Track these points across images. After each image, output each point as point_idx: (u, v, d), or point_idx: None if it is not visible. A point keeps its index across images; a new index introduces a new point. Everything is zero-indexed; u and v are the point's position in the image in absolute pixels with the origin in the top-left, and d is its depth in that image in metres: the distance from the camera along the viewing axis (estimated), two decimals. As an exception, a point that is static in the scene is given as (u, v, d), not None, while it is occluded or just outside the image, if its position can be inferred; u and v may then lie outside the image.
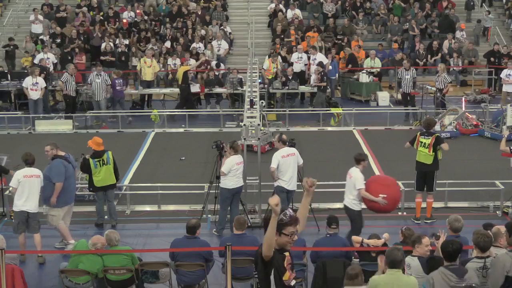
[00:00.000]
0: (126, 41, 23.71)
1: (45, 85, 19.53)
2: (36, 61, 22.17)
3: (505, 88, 20.16)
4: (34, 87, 19.22)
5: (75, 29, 24.33)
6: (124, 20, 25.23)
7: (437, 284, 6.88)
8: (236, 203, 11.74)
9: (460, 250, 7.06)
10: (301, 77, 21.51)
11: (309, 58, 22.05)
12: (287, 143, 11.78)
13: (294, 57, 22.17)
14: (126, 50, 23.10)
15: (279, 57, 21.87)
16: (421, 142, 12.13)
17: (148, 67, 21.00)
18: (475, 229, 7.92)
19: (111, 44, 23.24)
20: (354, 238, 8.94)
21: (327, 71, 21.94)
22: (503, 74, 20.28)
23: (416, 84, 19.68)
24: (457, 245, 7.03)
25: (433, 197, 12.24)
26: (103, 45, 23.24)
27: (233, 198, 11.63)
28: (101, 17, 25.45)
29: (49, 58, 22.19)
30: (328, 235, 9.04)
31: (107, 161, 11.80)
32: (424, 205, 12.29)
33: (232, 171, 11.41)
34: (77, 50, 23.07)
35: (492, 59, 22.99)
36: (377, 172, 14.92)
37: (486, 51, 23.73)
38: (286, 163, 11.56)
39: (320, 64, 20.55)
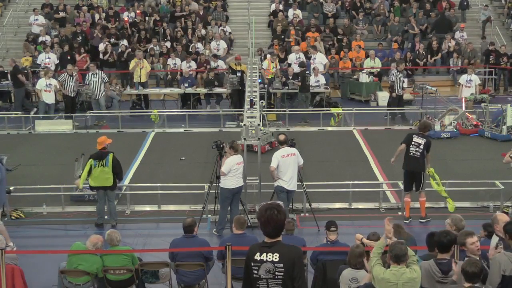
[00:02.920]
0: (125, 42, 23.66)
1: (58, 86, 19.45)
2: (38, 61, 22.20)
3: (464, 94, 19.48)
4: (48, 88, 19.18)
5: (75, 29, 24.33)
6: (125, 18, 25.22)
7: (423, 275, 7.02)
8: (236, 203, 11.73)
9: (454, 242, 7.23)
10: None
11: (309, 58, 22.06)
12: (287, 143, 11.77)
13: (293, 57, 22.17)
14: (125, 51, 23.06)
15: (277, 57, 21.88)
16: (414, 142, 12.09)
17: (140, 69, 20.93)
18: (475, 229, 7.96)
19: (110, 44, 23.24)
20: (357, 235, 8.93)
21: (324, 71, 21.98)
22: (462, 80, 19.68)
23: (416, 85, 19.73)
24: (452, 236, 7.16)
25: (425, 195, 12.20)
26: (102, 45, 23.21)
27: (233, 198, 11.62)
28: (101, 18, 25.40)
29: (50, 58, 22.20)
30: (328, 242, 9.01)
31: (105, 163, 11.79)
32: (417, 205, 12.27)
33: (232, 171, 11.41)
34: (82, 50, 23.07)
35: (490, 60, 22.94)
36: (377, 173, 14.92)
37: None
38: (286, 163, 11.55)
39: (302, 64, 20.54)
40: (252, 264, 5.60)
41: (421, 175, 12.06)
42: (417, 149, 12.01)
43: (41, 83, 19.25)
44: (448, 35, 24.53)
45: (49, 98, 19.25)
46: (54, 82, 19.32)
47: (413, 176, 12.13)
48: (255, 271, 5.58)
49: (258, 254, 5.57)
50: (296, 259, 5.52)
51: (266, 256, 5.53)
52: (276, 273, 5.51)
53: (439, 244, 7.21)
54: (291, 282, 5.54)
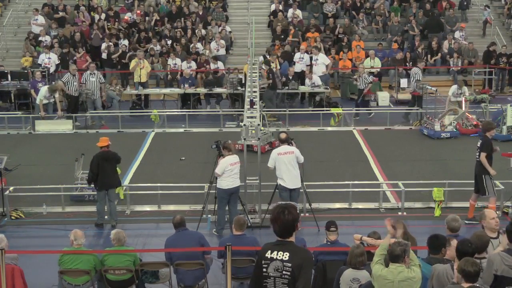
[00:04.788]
0: (126, 42, 23.66)
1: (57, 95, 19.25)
2: (39, 61, 22.20)
3: (451, 105, 18.92)
4: (47, 100, 19.10)
5: (74, 29, 24.33)
6: (126, 17, 25.22)
7: (436, 277, 6.99)
8: (234, 204, 11.69)
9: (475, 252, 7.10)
10: (302, 77, 21.51)
11: (311, 58, 22.04)
12: (288, 141, 11.76)
13: (296, 57, 22.16)
14: (126, 51, 23.06)
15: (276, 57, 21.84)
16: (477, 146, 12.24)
17: (140, 69, 20.91)
18: (475, 229, 7.96)
19: (111, 44, 23.24)
20: (355, 236, 8.93)
21: (326, 72, 21.97)
22: (451, 92, 19.01)
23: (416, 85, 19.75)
24: (474, 247, 7.05)
25: (494, 201, 12.03)
26: (104, 45, 23.25)
27: (230, 199, 11.60)
28: (101, 19, 25.38)
29: (51, 58, 22.20)
30: (328, 242, 9.01)
31: None
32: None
33: (227, 171, 11.38)
34: (81, 50, 23.06)
35: (491, 61, 22.92)
36: (377, 173, 14.92)
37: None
38: (282, 160, 11.52)
39: (267, 62, 20.58)
40: (263, 262, 5.65)
41: (479, 178, 12.05)
42: (476, 152, 12.17)
43: (44, 95, 18.90)
44: (449, 35, 24.51)
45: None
46: (57, 96, 19.07)
47: (475, 178, 12.23)
48: (265, 269, 5.63)
49: (269, 251, 5.63)
50: (304, 262, 5.56)
51: (277, 254, 5.58)
52: (284, 272, 5.55)
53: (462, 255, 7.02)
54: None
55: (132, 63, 21.14)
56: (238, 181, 11.60)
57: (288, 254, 5.55)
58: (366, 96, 19.99)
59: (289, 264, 5.52)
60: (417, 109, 19.15)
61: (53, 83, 21.23)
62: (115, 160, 12.13)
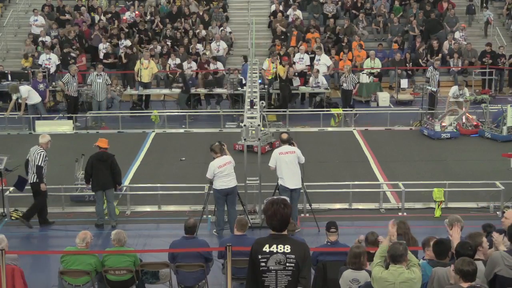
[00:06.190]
0: (127, 42, 23.65)
1: (26, 95, 18.90)
2: (40, 62, 22.19)
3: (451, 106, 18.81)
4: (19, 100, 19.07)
5: (74, 29, 24.33)
6: (124, 17, 25.24)
7: (435, 280, 6.97)
8: (232, 205, 11.66)
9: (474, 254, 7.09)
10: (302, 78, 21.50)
11: (312, 59, 22.03)
12: (289, 142, 11.76)
13: (296, 57, 22.15)
14: (127, 51, 23.03)
15: (278, 57, 21.82)
16: None
17: (144, 69, 20.91)
18: (475, 229, 7.95)
19: (108, 45, 23.24)
20: (360, 238, 8.92)
21: (328, 73, 21.95)
22: (451, 93, 18.87)
23: (416, 85, 19.76)
24: (474, 249, 7.07)
25: None
26: (101, 45, 23.25)
27: (227, 199, 11.57)
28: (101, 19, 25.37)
29: (51, 58, 22.19)
30: (328, 243, 9.01)
31: None
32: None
33: (217, 174, 11.37)
34: (77, 52, 23.05)
35: (484, 59, 22.93)
36: (377, 173, 14.92)
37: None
38: (284, 160, 11.52)
39: (179, 66, 20.63)
40: (260, 256, 5.63)
41: None
42: None
43: (13, 97, 19.05)
44: (449, 35, 24.50)
45: (32, 100, 19.02)
46: (25, 93, 18.77)
47: None
48: (263, 264, 5.62)
49: (267, 246, 5.62)
50: (306, 253, 5.66)
51: (277, 248, 5.58)
52: (287, 264, 5.57)
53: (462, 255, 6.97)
54: (299, 274, 5.64)
55: (138, 64, 21.18)
56: (234, 182, 11.55)
57: (289, 246, 5.58)
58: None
59: (293, 256, 5.56)
60: (417, 109, 19.16)
61: (53, 83, 21.27)
62: (111, 161, 12.02)
